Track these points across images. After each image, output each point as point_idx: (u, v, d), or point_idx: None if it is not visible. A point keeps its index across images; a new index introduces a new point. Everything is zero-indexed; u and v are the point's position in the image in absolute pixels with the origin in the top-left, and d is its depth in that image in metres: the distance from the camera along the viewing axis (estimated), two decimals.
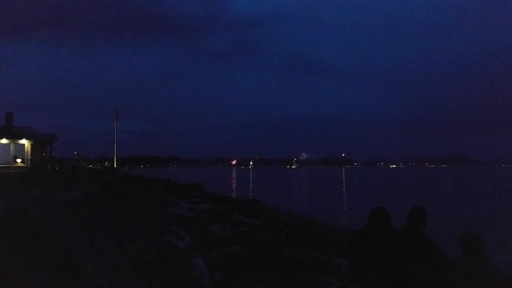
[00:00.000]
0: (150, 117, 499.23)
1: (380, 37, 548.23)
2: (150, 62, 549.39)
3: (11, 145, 39.29)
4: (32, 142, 39.90)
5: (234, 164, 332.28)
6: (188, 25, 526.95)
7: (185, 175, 79.78)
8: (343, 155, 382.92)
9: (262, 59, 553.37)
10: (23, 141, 39.52)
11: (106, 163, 60.07)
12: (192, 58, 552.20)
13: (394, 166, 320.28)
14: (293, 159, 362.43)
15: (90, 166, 56.31)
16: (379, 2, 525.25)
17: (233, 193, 29.12)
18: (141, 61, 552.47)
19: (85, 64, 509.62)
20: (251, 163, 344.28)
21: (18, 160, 38.45)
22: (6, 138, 38.87)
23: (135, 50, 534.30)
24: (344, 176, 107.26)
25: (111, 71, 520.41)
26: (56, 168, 39.66)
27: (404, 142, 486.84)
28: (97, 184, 19.93)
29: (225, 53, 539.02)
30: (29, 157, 39.07)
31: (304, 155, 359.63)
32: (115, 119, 52.68)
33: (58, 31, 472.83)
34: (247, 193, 41.53)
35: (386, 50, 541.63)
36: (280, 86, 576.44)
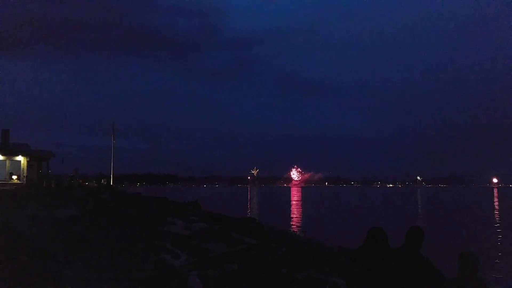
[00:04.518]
0: (147, 135, 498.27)
1: (378, 55, 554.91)
2: (146, 80, 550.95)
3: (7, 161, 39.07)
4: (28, 159, 39.69)
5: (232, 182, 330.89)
6: (183, 43, 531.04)
7: (182, 193, 79.45)
8: (341, 173, 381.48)
9: (258, 77, 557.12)
10: (19, 158, 39.31)
11: (102, 180, 59.76)
12: (188, 76, 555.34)
13: (391, 185, 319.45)
14: (290, 176, 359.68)
15: (87, 183, 56.09)
16: (377, 22, 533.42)
17: (230, 211, 28.93)
18: (137, 78, 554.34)
19: (81, 81, 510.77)
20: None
21: (14, 177, 38.19)
22: (2, 155, 38.68)
23: (131, 68, 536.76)
24: (342, 195, 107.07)
25: (108, 88, 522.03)
26: (52, 185, 39.47)
27: (401, 161, 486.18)
28: (93, 202, 19.82)
29: (221, 71, 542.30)
30: (25, 174, 38.83)
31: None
32: (112, 137, 52.84)
33: (54, 48, 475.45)
34: (245, 211, 41.35)
35: (384, 69, 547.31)
36: (276, 104, 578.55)
